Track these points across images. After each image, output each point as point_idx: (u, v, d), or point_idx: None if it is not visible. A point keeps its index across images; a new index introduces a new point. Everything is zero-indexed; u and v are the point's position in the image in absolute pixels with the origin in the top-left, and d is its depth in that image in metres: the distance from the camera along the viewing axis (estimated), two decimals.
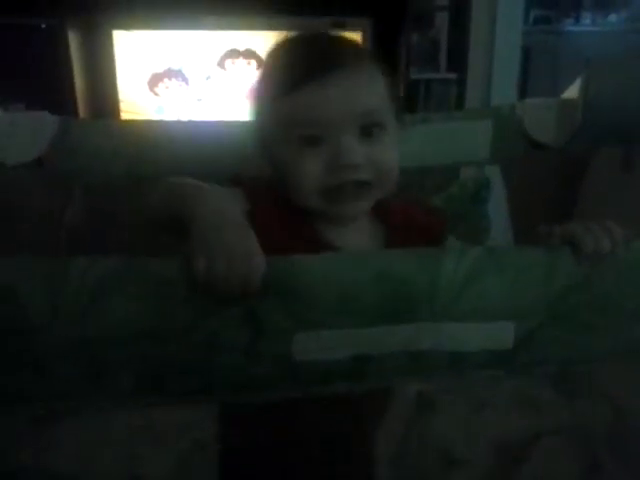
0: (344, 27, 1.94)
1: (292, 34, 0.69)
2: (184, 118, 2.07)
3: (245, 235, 0.48)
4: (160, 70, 2.10)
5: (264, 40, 2.09)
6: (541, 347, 0.50)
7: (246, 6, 1.96)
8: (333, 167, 0.62)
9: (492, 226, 1.10)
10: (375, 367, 0.48)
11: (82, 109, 2.03)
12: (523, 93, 2.33)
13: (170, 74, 2.09)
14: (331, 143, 0.62)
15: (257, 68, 2.11)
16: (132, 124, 1.06)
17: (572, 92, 1.00)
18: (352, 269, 0.45)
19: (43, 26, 1.83)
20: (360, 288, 0.45)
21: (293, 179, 0.64)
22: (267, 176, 0.69)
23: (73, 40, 1.93)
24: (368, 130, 0.64)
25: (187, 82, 2.14)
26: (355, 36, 1.96)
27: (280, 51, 0.68)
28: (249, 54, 2.14)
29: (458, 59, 1.91)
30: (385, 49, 1.97)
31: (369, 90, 0.65)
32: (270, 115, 0.66)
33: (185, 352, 0.46)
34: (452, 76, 1.86)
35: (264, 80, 0.68)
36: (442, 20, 1.98)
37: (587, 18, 3.59)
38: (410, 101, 1.93)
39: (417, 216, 0.74)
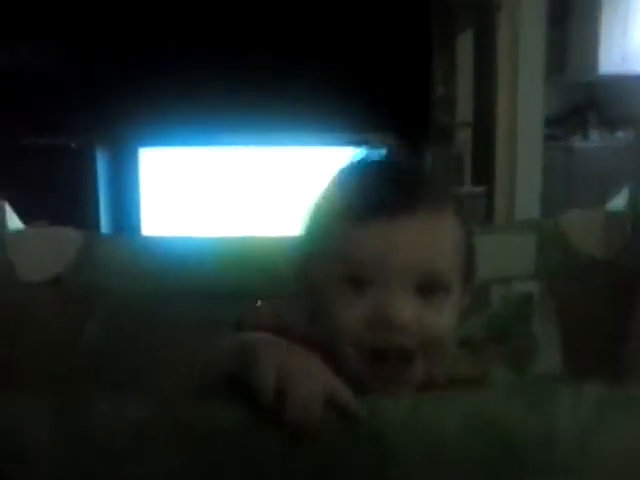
0: (366, 144, 1.97)
1: (366, 160, 0.63)
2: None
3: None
4: (185, 189, 2.12)
5: (285, 156, 2.12)
6: None
7: (266, 122, 2.01)
8: (376, 323, 0.53)
9: (539, 346, 1.03)
10: None
11: (104, 226, 2.04)
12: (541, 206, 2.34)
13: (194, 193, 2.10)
14: (379, 293, 0.54)
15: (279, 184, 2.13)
16: (158, 240, 1.04)
17: (618, 204, 0.97)
18: (439, 415, 0.36)
19: (73, 146, 1.87)
20: (450, 440, 0.36)
21: (329, 324, 0.55)
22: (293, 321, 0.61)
23: (99, 158, 1.98)
24: (426, 290, 0.55)
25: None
26: (379, 152, 1.97)
27: (351, 177, 0.61)
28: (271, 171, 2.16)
29: (483, 173, 1.92)
30: None
31: (440, 247, 0.56)
32: (322, 241, 0.59)
33: None
34: (479, 190, 1.86)
35: (326, 202, 0.61)
36: (463, 135, 2.02)
37: (595, 134, 3.69)
38: None
39: None
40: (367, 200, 0.56)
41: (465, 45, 2.02)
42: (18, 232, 0.91)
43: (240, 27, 1.99)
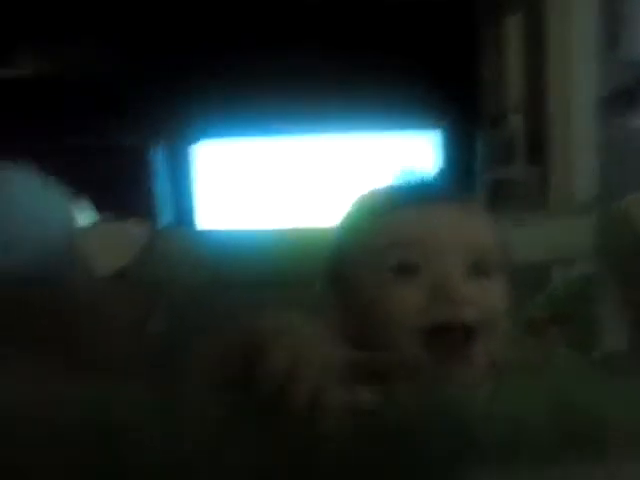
0: (418, 128, 1.97)
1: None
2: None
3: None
4: (240, 182, 2.14)
5: (340, 145, 2.12)
6: None
7: (318, 113, 2.02)
8: (434, 299, 0.51)
9: (603, 327, 1.01)
10: None
11: (162, 219, 2.09)
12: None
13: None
14: (432, 274, 0.52)
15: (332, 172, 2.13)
16: (214, 233, 1.07)
17: None
18: (518, 401, 0.36)
19: (130, 143, 1.94)
20: (529, 426, 0.36)
21: (381, 315, 0.52)
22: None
23: (156, 153, 2.04)
24: (474, 272, 0.53)
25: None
26: (431, 137, 1.98)
27: (388, 184, 0.62)
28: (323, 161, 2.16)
29: (537, 156, 1.88)
30: (462, 149, 1.97)
31: (483, 226, 0.57)
32: (359, 238, 0.57)
33: None
34: (532, 174, 1.82)
35: (363, 201, 0.61)
36: (515, 118, 1.98)
37: None
38: (492, 201, 1.90)
39: None
40: (409, 188, 0.58)
41: (516, 26, 1.98)
42: (92, 226, 0.95)
43: (292, 17, 2.01)
